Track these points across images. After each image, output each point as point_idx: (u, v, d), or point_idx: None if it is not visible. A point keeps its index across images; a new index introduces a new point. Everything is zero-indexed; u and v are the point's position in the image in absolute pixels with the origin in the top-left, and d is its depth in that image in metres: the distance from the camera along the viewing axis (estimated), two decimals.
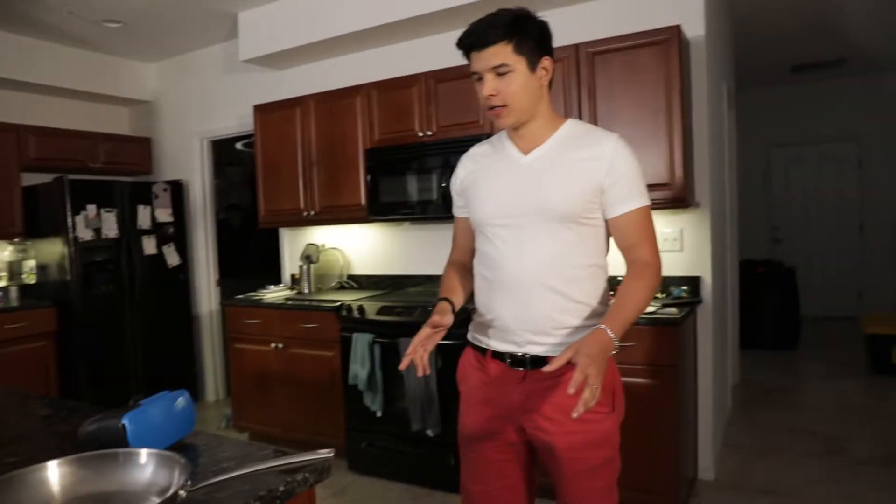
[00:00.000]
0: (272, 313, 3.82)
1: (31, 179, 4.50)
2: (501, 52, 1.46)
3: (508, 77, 1.48)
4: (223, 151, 5.78)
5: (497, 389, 1.60)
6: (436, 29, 3.71)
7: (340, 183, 3.84)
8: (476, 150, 1.74)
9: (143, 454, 1.04)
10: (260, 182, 4.21)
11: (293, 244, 4.53)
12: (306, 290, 4.10)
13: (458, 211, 1.78)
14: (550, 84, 1.57)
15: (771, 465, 3.35)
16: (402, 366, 1.49)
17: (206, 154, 5.07)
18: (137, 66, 5.19)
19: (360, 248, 4.26)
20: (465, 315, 1.72)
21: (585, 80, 3.03)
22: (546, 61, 1.53)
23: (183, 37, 4.63)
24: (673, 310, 2.82)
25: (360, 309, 3.39)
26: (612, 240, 1.61)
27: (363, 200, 3.74)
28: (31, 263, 4.59)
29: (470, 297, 1.71)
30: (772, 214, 7.53)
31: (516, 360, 1.56)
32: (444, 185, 3.36)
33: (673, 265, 3.19)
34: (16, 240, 4.51)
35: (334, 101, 3.84)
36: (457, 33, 1.53)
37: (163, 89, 5.24)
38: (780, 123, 7.31)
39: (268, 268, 5.00)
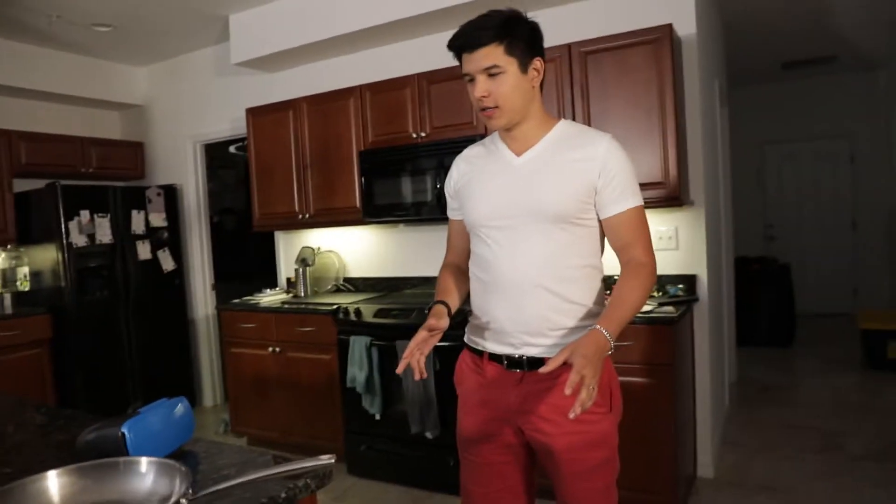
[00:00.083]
0: (268, 317, 3.81)
1: (22, 185, 4.47)
2: (493, 54, 1.47)
3: (500, 78, 1.48)
4: (216, 155, 5.77)
5: (494, 391, 1.60)
6: (428, 30, 3.71)
7: (335, 185, 3.83)
8: (469, 152, 1.74)
9: (144, 463, 1.04)
10: (254, 185, 4.20)
11: (289, 247, 4.52)
12: (302, 294, 4.10)
13: (452, 213, 1.78)
14: (542, 85, 1.58)
15: (769, 461, 3.36)
16: (399, 369, 1.49)
17: (200, 158, 5.06)
18: (128, 70, 5.17)
19: (356, 250, 4.26)
20: (462, 317, 1.72)
21: (578, 80, 3.04)
22: (537, 62, 1.53)
23: (174, 40, 4.61)
24: (669, 308, 2.83)
25: (357, 311, 3.38)
26: (606, 240, 1.61)
27: (358, 203, 3.73)
28: (24, 270, 4.57)
29: (466, 299, 1.71)
30: (766, 211, 7.56)
31: (513, 362, 1.56)
32: (438, 186, 3.36)
33: (668, 264, 3.20)
34: (9, 246, 4.49)
35: (327, 103, 3.84)
36: (449, 34, 1.53)
37: (154, 93, 5.23)
38: (772, 121, 7.34)
39: (263, 271, 4.99)
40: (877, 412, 4.04)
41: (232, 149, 6.22)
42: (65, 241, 4.24)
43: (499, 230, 1.57)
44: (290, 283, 4.32)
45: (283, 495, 1.03)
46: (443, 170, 3.28)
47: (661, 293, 3.16)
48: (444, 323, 1.53)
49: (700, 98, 3.20)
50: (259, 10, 4.05)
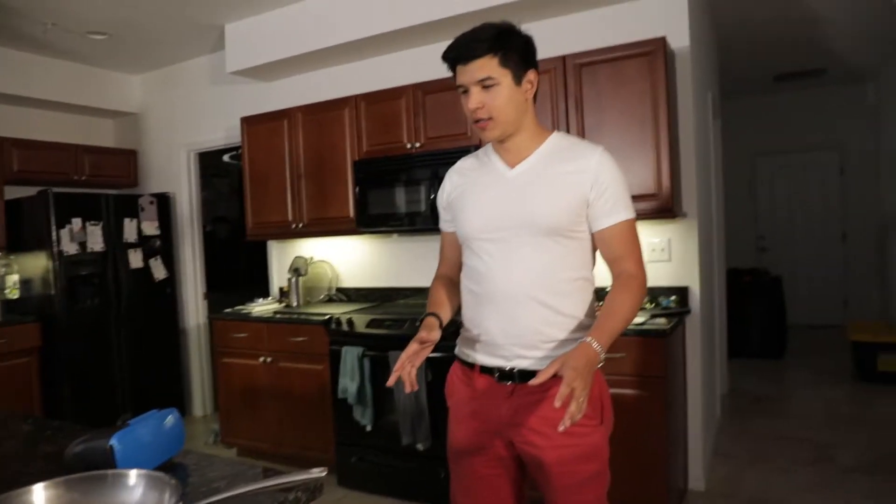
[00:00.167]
0: (260, 327, 3.79)
1: (14, 193, 4.45)
2: (487, 66, 1.47)
3: (494, 90, 1.49)
4: (210, 163, 5.76)
5: (485, 403, 1.59)
6: (423, 41, 3.73)
7: (329, 195, 3.83)
8: (462, 164, 1.74)
9: (133, 475, 1.03)
10: (247, 194, 4.19)
11: (281, 257, 4.51)
12: (295, 304, 4.08)
13: (444, 225, 1.77)
14: (535, 97, 1.59)
15: (761, 473, 3.36)
16: (390, 382, 1.48)
17: (193, 166, 5.05)
18: (123, 78, 5.16)
19: (349, 260, 4.25)
20: (455, 328, 1.72)
21: (572, 92, 3.06)
22: (531, 74, 1.54)
23: (169, 48, 4.61)
24: (662, 320, 2.83)
25: (350, 322, 3.37)
26: (598, 252, 1.62)
27: (352, 212, 3.73)
28: (14, 278, 4.53)
29: (458, 311, 1.71)
30: (757, 223, 7.60)
31: (504, 375, 1.55)
32: (432, 196, 3.36)
33: (661, 275, 3.21)
34: None
35: (322, 113, 3.84)
36: (444, 45, 1.54)
37: (149, 101, 5.22)
38: (764, 132, 7.40)
39: (256, 281, 4.98)
40: (867, 424, 4.06)
41: (226, 157, 6.22)
42: (56, 249, 4.22)
43: (492, 242, 1.57)
44: (283, 293, 4.30)
45: None
46: (437, 180, 3.28)
47: (653, 305, 3.16)
48: (436, 335, 1.53)
49: (693, 110, 3.22)
50: (255, 19, 4.06)
